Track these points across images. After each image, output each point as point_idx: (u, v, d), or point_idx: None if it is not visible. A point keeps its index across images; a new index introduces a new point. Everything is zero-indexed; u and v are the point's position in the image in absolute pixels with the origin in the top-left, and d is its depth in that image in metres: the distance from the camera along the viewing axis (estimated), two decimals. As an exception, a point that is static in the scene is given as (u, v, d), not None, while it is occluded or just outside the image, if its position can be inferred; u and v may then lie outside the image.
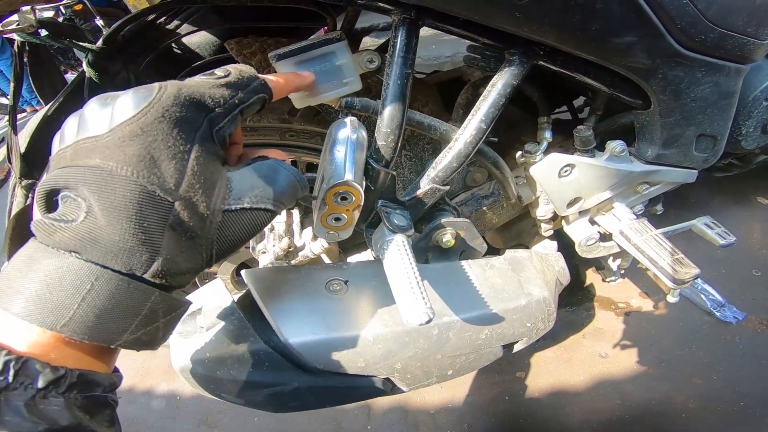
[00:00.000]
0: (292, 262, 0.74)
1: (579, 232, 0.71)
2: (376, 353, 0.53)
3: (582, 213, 0.70)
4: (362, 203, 0.46)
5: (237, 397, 0.57)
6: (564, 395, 1.07)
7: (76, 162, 0.26)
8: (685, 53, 0.54)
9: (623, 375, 1.06)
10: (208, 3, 0.67)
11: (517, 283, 0.62)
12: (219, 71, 0.32)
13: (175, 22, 0.78)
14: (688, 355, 1.05)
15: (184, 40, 0.81)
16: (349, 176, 0.43)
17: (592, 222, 0.72)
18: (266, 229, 0.73)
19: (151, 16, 0.80)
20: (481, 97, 0.51)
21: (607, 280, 0.96)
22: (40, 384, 0.24)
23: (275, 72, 0.51)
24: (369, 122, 0.67)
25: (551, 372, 1.11)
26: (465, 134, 0.50)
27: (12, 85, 0.71)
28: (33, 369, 0.24)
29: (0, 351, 0.24)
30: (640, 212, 0.72)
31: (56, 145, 0.29)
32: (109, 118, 0.27)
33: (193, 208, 0.27)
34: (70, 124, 0.29)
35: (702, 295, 1.08)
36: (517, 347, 0.68)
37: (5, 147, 0.77)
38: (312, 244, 0.71)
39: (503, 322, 0.60)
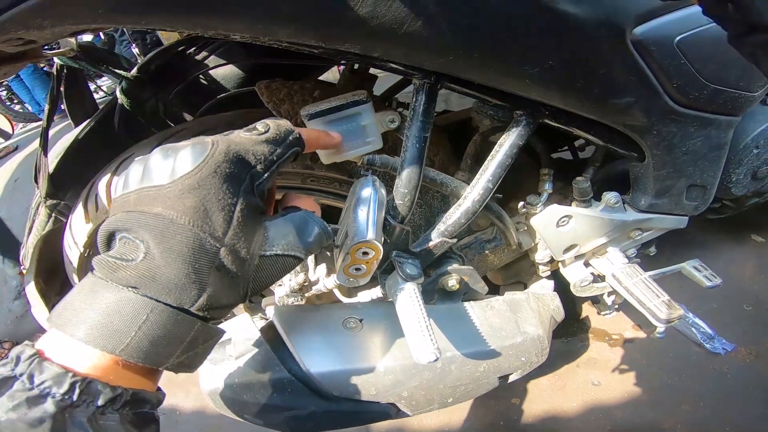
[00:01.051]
0: (306, 295, 0.82)
1: (574, 274, 0.79)
2: (386, 383, 0.61)
3: (578, 257, 0.78)
4: (381, 257, 0.54)
5: (258, 418, 0.64)
6: (557, 421, 1.14)
7: (140, 208, 0.31)
8: (679, 110, 0.60)
9: (614, 402, 1.13)
10: (230, 40, 0.74)
11: (515, 322, 0.70)
12: (260, 126, 0.36)
13: (204, 54, 0.86)
14: (677, 384, 1.12)
15: (212, 72, 0.88)
16: (371, 235, 0.51)
17: (587, 264, 0.80)
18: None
19: (181, 47, 0.87)
20: (489, 157, 0.58)
21: (602, 313, 1.03)
22: (101, 402, 0.28)
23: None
24: (388, 177, 0.74)
25: (545, 399, 1.18)
26: (473, 193, 0.58)
27: (47, 107, 0.76)
28: (95, 389, 0.28)
29: (67, 374, 0.28)
30: (633, 255, 0.80)
31: (119, 189, 0.34)
32: (171, 170, 0.32)
33: (236, 253, 0.32)
34: (135, 170, 0.34)
35: (693, 328, 1.16)
36: (512, 378, 0.75)
37: (32, 163, 0.80)
38: (325, 280, 0.79)
39: (500, 357, 0.68)
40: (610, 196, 0.68)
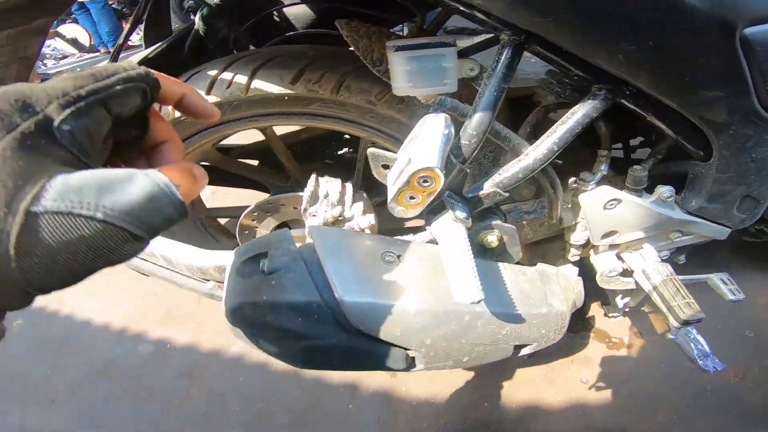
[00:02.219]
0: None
1: (604, 263, 0.79)
2: (414, 325, 0.62)
3: (612, 247, 0.79)
4: (439, 189, 0.54)
5: (273, 344, 0.64)
6: (538, 412, 1.18)
7: None
8: (762, 113, 0.59)
9: (595, 402, 1.17)
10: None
11: (543, 293, 0.71)
12: (82, 71, 0.28)
13: None
14: (659, 393, 1.16)
15: (285, 10, 0.89)
16: (436, 163, 0.51)
17: (618, 257, 0.81)
18: (321, 194, 0.81)
19: None
20: (559, 122, 0.59)
21: (610, 315, 1.05)
22: None
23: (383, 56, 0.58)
24: (453, 120, 0.76)
25: (533, 388, 1.21)
26: (536, 151, 0.58)
27: (128, 26, 0.80)
28: None
29: None
30: (665, 258, 0.81)
31: None
32: None
33: None
34: None
35: (692, 344, 1.19)
36: (525, 350, 0.77)
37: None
38: (360, 218, 0.79)
39: (524, 324, 0.68)
40: (665, 190, 0.69)
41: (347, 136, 1.15)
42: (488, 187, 0.60)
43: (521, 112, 0.78)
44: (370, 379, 1.30)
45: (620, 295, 0.96)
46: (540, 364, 1.24)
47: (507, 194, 0.61)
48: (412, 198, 0.55)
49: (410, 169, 0.52)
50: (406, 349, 0.66)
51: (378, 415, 1.24)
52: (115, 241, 0.25)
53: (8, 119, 0.24)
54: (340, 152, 1.21)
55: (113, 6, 4.62)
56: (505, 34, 0.55)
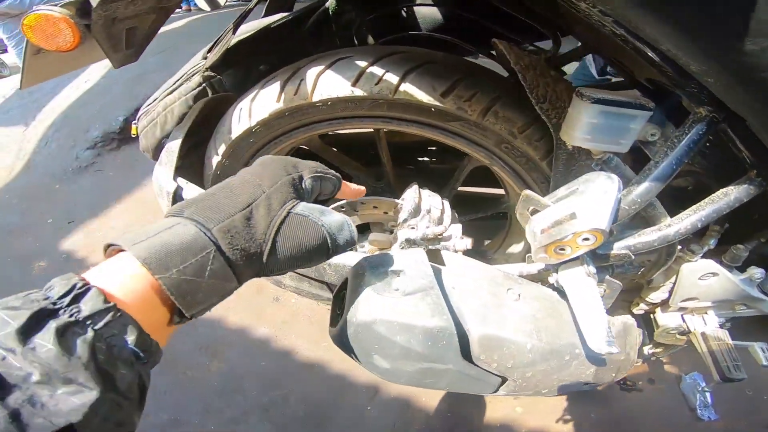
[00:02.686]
0: (430, 247, 0.83)
1: (670, 321, 0.86)
2: (525, 360, 0.65)
3: (681, 308, 0.85)
4: (596, 248, 0.57)
5: (390, 361, 0.65)
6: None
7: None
8: None
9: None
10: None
11: (624, 342, 0.76)
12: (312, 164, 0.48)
13: None
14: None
15: (416, 7, 0.88)
16: (605, 227, 0.54)
17: (682, 317, 0.87)
18: (423, 208, 0.82)
19: None
20: (708, 199, 0.61)
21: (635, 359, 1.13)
22: (85, 312, 0.27)
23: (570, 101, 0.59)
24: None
25: (544, 417, 1.28)
26: (680, 225, 0.61)
27: None
28: (87, 297, 0.27)
29: (74, 277, 0.28)
30: (720, 323, 0.88)
31: None
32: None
33: (270, 200, 0.39)
34: None
35: (698, 395, 1.30)
36: (584, 387, 0.82)
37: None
38: (458, 240, 0.81)
39: (604, 368, 0.73)
40: (757, 272, 0.74)
41: (434, 148, 1.15)
42: (621, 248, 0.64)
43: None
44: (393, 384, 1.32)
45: (650, 345, 1.04)
46: (556, 395, 1.31)
47: (633, 258, 0.65)
48: (562, 250, 0.58)
49: (576, 226, 0.54)
50: (505, 378, 0.69)
51: (393, 421, 1.27)
52: (321, 244, 0.42)
53: (286, 170, 0.43)
54: (424, 159, 1.20)
55: None
56: (702, 108, 0.55)
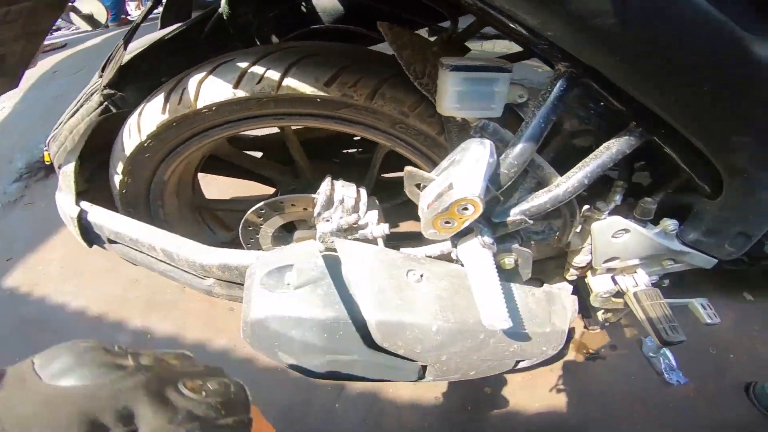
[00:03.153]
0: (348, 237, 0.81)
1: (600, 285, 0.84)
2: (433, 343, 0.63)
3: (608, 269, 0.83)
4: (476, 217, 0.55)
5: (293, 356, 0.64)
6: (517, 417, 1.23)
7: None
8: None
9: (572, 410, 1.24)
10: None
11: (548, 313, 0.74)
12: (210, 383, 0.36)
13: None
14: (626, 404, 1.24)
15: (314, 1, 0.86)
16: (478, 193, 0.52)
17: (613, 279, 0.85)
18: (336, 199, 0.80)
19: None
20: (593, 155, 0.61)
21: (590, 328, 1.11)
22: None
23: (436, 73, 0.57)
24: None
25: (514, 393, 1.27)
26: (567, 183, 0.60)
27: (149, 5, 0.75)
28: None
29: None
30: (653, 281, 0.86)
31: None
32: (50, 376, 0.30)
33: None
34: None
35: (661, 358, 1.28)
36: (522, 365, 0.80)
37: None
38: (374, 227, 0.79)
39: (530, 342, 0.71)
40: (669, 223, 0.73)
41: (357, 138, 1.14)
42: (516, 214, 0.62)
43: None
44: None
45: (602, 311, 1.02)
46: (521, 372, 1.29)
47: (532, 222, 0.63)
48: (447, 223, 0.56)
49: (452, 196, 0.52)
50: (421, 362, 0.68)
51: (363, 416, 1.26)
52: None
53: None
54: (348, 151, 1.19)
55: None
56: (563, 65, 0.55)
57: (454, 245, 0.64)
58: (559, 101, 0.55)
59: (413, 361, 0.67)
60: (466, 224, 0.56)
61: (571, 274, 0.87)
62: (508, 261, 0.69)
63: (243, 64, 0.70)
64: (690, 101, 0.52)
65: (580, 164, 0.61)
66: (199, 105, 0.71)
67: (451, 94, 0.56)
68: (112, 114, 0.79)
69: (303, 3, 0.89)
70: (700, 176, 0.66)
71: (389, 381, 0.69)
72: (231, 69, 0.70)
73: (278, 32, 0.93)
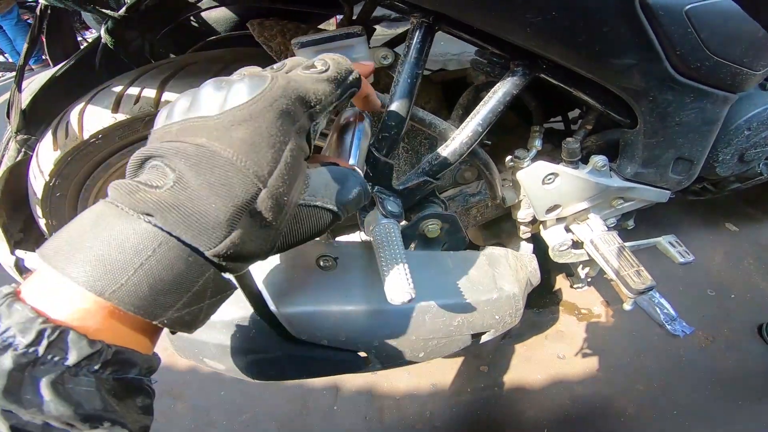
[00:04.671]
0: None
1: (554, 237, 0.77)
2: (357, 328, 0.58)
3: (559, 220, 0.76)
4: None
5: (219, 361, 0.60)
6: (521, 391, 1.16)
7: (181, 138, 0.26)
8: (678, 78, 0.58)
9: (575, 377, 1.15)
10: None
11: (492, 277, 0.68)
12: (318, 64, 0.32)
13: None
14: (635, 363, 1.15)
15: (203, 14, 0.83)
16: (353, 161, 0.47)
17: (567, 229, 0.78)
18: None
19: None
20: (481, 102, 0.55)
21: (575, 286, 1.03)
22: (72, 359, 0.23)
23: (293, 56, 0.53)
24: (374, 113, 0.71)
25: (512, 368, 1.19)
26: (462, 135, 0.55)
27: (26, 45, 0.74)
28: (67, 341, 0.23)
29: (36, 318, 0.22)
30: (613, 225, 0.79)
31: (161, 120, 0.29)
32: (222, 101, 0.28)
33: (276, 198, 0.27)
34: (181, 102, 0.30)
35: (657, 309, 1.18)
36: (484, 338, 0.73)
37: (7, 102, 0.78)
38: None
39: (475, 312, 0.65)
40: (598, 159, 0.66)
41: None
42: (418, 177, 0.57)
43: (455, 95, 0.74)
44: (351, 379, 1.27)
45: (580, 266, 0.94)
46: (515, 344, 1.22)
47: (439, 182, 0.58)
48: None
49: None
50: (356, 352, 0.63)
51: (364, 413, 1.22)
52: (329, 222, 0.33)
53: (292, 118, 0.29)
54: None
55: (28, 21, 4.20)
56: (414, 16, 0.52)
57: (361, 221, 0.59)
58: (420, 52, 0.52)
59: (347, 350, 0.62)
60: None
61: (524, 232, 0.81)
62: (432, 228, 0.63)
63: (118, 88, 0.69)
64: (548, 29, 0.47)
65: (472, 113, 0.55)
66: (86, 135, 0.69)
67: (311, 69, 0.52)
68: (18, 161, 0.78)
69: (192, 18, 0.86)
70: (610, 107, 0.61)
71: (336, 375, 0.65)
72: (107, 94, 0.69)
73: (175, 49, 0.90)
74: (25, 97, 0.78)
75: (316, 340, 0.58)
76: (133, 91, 0.68)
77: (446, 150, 0.56)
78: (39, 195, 0.77)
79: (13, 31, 4.13)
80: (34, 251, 0.86)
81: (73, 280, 0.23)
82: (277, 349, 0.58)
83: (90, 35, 3.97)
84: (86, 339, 0.23)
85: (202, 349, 0.58)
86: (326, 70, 0.32)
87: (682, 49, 0.55)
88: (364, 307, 0.58)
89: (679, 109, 0.62)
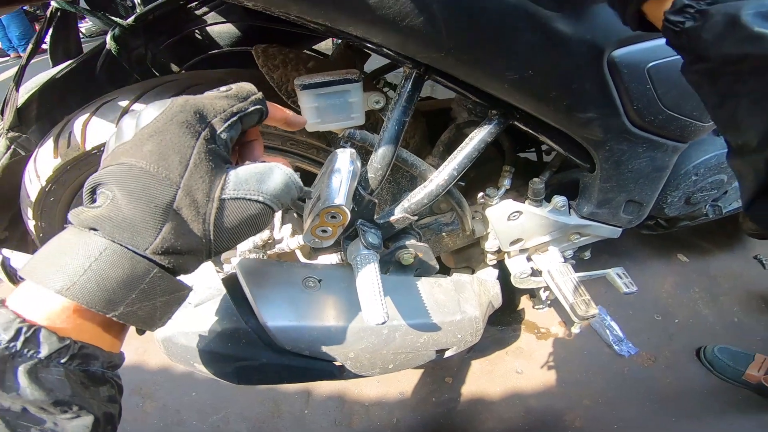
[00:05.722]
0: (268, 252, 0.85)
1: (516, 266, 0.87)
2: (336, 342, 0.67)
3: (522, 251, 0.87)
4: (347, 223, 0.58)
5: (208, 367, 0.67)
6: (481, 403, 1.26)
7: (111, 162, 0.33)
8: (633, 130, 0.65)
9: (531, 390, 1.27)
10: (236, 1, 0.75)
11: (457, 301, 0.78)
12: (223, 87, 0.39)
13: (204, 9, 0.86)
14: (584, 380, 1.27)
15: (207, 28, 0.88)
16: (341, 201, 0.56)
17: (529, 259, 0.89)
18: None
19: (184, 0, 0.86)
20: (458, 148, 0.64)
21: (536, 307, 1.14)
22: (44, 352, 0.28)
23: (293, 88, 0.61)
24: (364, 151, 0.79)
25: (474, 381, 1.30)
26: (439, 178, 0.64)
27: (31, 46, 0.76)
28: (40, 337, 0.28)
29: (15, 319, 0.27)
30: (570, 256, 0.90)
31: (104, 155, 0.36)
32: (135, 125, 0.34)
33: (192, 194, 0.32)
34: (113, 137, 0.36)
35: (607, 330, 1.31)
36: (447, 353, 0.83)
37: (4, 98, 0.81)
38: (289, 240, 0.82)
39: (440, 331, 0.75)
40: (558, 200, 0.76)
41: None
42: (398, 213, 0.66)
43: (440, 126, 0.83)
44: (322, 384, 1.34)
45: (542, 289, 1.05)
46: (478, 358, 1.32)
47: (415, 218, 0.67)
48: (324, 231, 0.60)
49: (319, 207, 0.56)
50: (333, 362, 0.71)
51: (334, 418, 1.29)
52: (265, 216, 0.36)
53: (193, 128, 0.34)
54: None
55: (24, 8, 4.31)
56: (406, 66, 0.60)
57: (344, 249, 0.68)
58: (409, 101, 0.59)
59: (326, 360, 0.70)
60: (341, 230, 0.59)
61: (490, 260, 0.91)
62: (406, 257, 0.72)
63: (124, 103, 0.72)
64: (524, 85, 0.55)
65: (449, 158, 0.64)
66: (88, 147, 0.72)
67: (310, 111, 0.59)
68: (15, 160, 0.80)
69: (197, 30, 0.90)
70: (572, 152, 0.70)
71: (313, 381, 0.73)
72: (113, 108, 0.72)
73: (177, 60, 0.93)
74: (22, 95, 0.80)
75: (299, 351, 0.66)
76: (138, 107, 0.71)
77: (424, 191, 0.65)
78: (32, 198, 0.80)
79: (7, 19, 4.11)
80: (19, 250, 0.89)
81: (40, 283, 0.29)
82: (262, 357, 0.66)
83: (82, 25, 3.96)
84: (56, 336, 0.28)
85: (194, 356, 0.65)
86: (228, 91, 0.38)
87: (639, 103, 0.61)
88: (342, 324, 0.67)
89: (633, 157, 0.70)
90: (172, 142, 0.32)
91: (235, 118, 0.37)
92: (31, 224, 0.84)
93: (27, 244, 0.87)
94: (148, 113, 0.34)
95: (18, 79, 0.76)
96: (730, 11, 0.32)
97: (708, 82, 0.36)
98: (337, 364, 0.72)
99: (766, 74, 0.31)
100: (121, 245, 0.30)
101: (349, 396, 1.32)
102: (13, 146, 0.81)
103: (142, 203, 0.31)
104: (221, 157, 0.36)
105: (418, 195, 0.65)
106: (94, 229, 0.31)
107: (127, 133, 0.34)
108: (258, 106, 0.39)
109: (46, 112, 0.81)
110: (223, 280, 0.65)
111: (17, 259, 0.82)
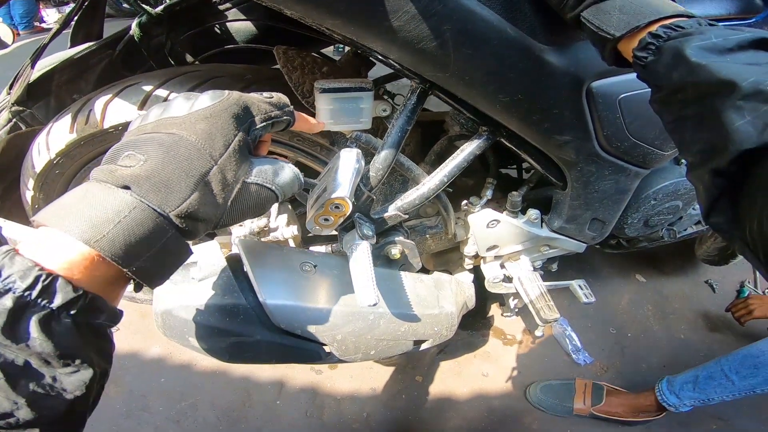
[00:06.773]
0: (263, 239, 0.91)
1: (490, 271, 0.97)
2: (326, 324, 0.74)
3: (496, 258, 0.97)
4: (348, 214, 0.66)
5: (202, 341, 0.73)
6: (447, 402, 1.35)
7: (156, 131, 0.37)
8: (602, 154, 0.73)
9: (495, 392, 1.37)
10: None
11: (436, 297, 0.87)
12: (266, 94, 0.45)
13: (227, 5, 0.92)
14: (542, 385, 1.38)
15: (228, 23, 0.94)
16: (346, 193, 0.64)
17: (502, 266, 0.99)
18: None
19: None
20: (450, 157, 0.73)
21: (504, 315, 1.25)
22: (57, 302, 0.28)
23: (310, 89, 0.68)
24: (367, 152, 0.86)
25: (443, 381, 1.39)
26: (431, 182, 0.73)
27: (57, 27, 0.80)
28: (56, 287, 0.29)
29: (33, 267, 0.28)
30: (539, 266, 1.00)
31: (136, 124, 0.39)
32: (190, 106, 0.39)
33: (224, 172, 0.38)
34: (155, 110, 0.40)
35: (567, 340, 1.43)
36: (424, 345, 0.91)
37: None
38: (284, 229, 0.89)
39: (419, 323, 0.83)
40: (533, 213, 0.87)
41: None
42: (391, 210, 0.74)
43: (433, 136, 0.91)
44: (296, 376, 1.39)
45: (511, 297, 1.16)
46: (448, 360, 1.42)
47: (407, 216, 0.75)
48: (326, 220, 0.67)
49: (325, 197, 0.64)
50: (322, 344, 0.78)
51: (305, 410, 1.34)
52: (271, 201, 0.44)
53: (240, 120, 0.40)
54: None
55: None
56: (413, 81, 0.68)
57: (341, 239, 0.75)
58: (413, 112, 0.67)
59: (314, 342, 0.77)
60: (342, 220, 0.67)
61: (467, 263, 1.00)
62: (394, 251, 0.80)
63: (148, 87, 0.76)
64: (513, 107, 0.65)
65: (441, 165, 0.74)
66: (106, 125, 0.76)
67: (325, 112, 0.68)
68: (20, 132, 0.83)
69: (217, 25, 0.96)
70: (548, 170, 0.80)
71: (300, 363, 0.79)
72: (136, 92, 0.76)
73: (193, 52, 0.98)
74: (37, 71, 0.84)
75: (292, 330, 0.73)
76: (162, 93, 0.76)
77: (416, 192, 0.73)
78: (38, 169, 0.84)
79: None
80: (10, 219, 0.92)
81: (68, 232, 0.30)
82: (257, 334, 0.72)
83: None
84: (71, 286, 0.29)
85: (190, 330, 0.70)
86: (271, 98, 0.45)
87: (609, 130, 0.69)
88: (333, 308, 0.74)
89: (599, 179, 0.78)
90: (222, 127, 0.38)
91: (270, 122, 0.43)
92: (29, 195, 0.87)
93: (20, 215, 0.90)
94: (203, 99, 0.40)
95: (36, 56, 0.79)
96: (677, 46, 0.39)
97: (665, 109, 0.43)
98: (326, 349, 0.79)
99: (703, 99, 0.37)
100: (149, 205, 0.34)
101: (322, 389, 1.38)
102: (14, 120, 0.84)
103: (182, 170, 0.35)
104: (248, 148, 0.42)
105: (411, 196, 0.74)
106: (126, 187, 0.34)
107: (179, 109, 0.39)
108: (288, 117, 0.46)
109: (56, 91, 0.84)
110: (227, 258, 0.71)
111: (9, 228, 0.85)
